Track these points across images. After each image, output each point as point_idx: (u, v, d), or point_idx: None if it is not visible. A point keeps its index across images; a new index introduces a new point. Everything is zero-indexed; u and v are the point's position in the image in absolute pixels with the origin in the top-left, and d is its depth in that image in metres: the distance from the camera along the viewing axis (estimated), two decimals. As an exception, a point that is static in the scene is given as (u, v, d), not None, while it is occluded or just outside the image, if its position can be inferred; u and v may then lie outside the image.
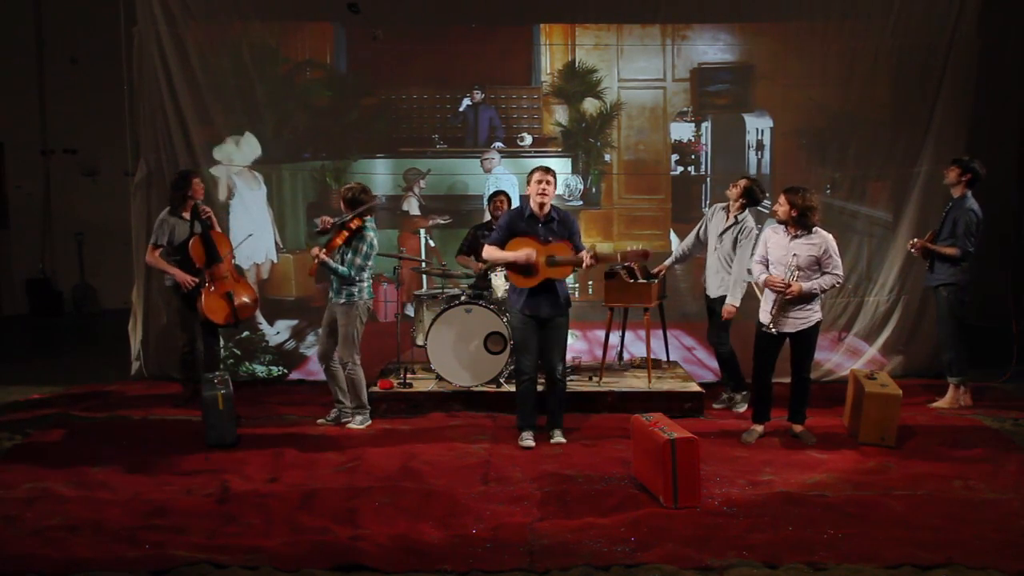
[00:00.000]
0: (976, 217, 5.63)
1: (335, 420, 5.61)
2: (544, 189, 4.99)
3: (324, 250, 5.28)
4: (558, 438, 5.16)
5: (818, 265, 4.98)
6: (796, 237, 5.00)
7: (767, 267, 5.10)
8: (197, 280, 5.75)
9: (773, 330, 4.99)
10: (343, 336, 5.42)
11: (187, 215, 5.87)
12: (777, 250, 5.04)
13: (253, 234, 6.71)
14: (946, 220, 5.75)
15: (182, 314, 5.99)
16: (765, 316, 5.05)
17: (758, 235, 5.54)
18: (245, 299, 5.88)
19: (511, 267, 5.08)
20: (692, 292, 6.90)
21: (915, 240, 5.87)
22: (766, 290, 5.10)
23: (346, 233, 5.32)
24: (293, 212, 7.07)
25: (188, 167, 6.44)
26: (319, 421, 5.62)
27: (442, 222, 7.12)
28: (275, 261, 7.01)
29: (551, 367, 5.18)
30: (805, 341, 5.08)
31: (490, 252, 5.12)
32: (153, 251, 5.88)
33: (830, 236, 5.04)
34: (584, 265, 4.89)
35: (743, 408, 5.89)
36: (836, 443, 5.15)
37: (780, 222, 5.06)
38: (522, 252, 4.98)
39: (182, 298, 5.90)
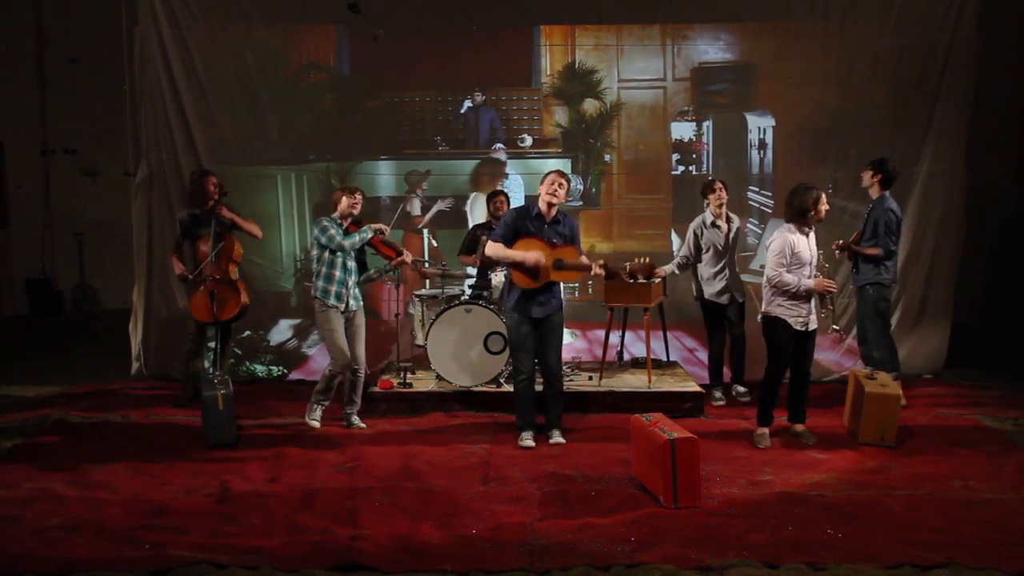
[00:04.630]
0: (895, 216, 5.78)
1: (318, 419, 5.53)
2: (555, 191, 5.02)
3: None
4: (557, 438, 5.16)
5: None
6: (808, 235, 5.03)
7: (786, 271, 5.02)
8: (188, 274, 5.78)
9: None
10: (362, 338, 5.50)
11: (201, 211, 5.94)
12: (803, 252, 4.98)
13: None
14: (867, 221, 5.88)
15: None
16: (797, 321, 4.97)
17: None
18: (229, 300, 5.75)
19: (516, 266, 5.07)
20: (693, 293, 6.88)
21: (839, 240, 5.96)
22: (779, 292, 4.99)
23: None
24: (299, 214, 7.08)
25: (192, 168, 6.52)
26: (311, 423, 5.51)
27: (444, 208, 7.12)
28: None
29: (548, 367, 5.19)
30: (811, 341, 5.10)
31: (496, 249, 5.07)
32: (173, 253, 6.03)
33: None
34: (592, 273, 4.97)
35: (747, 399, 5.98)
36: (836, 443, 5.15)
37: (811, 223, 4.99)
38: (532, 254, 4.98)
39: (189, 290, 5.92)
